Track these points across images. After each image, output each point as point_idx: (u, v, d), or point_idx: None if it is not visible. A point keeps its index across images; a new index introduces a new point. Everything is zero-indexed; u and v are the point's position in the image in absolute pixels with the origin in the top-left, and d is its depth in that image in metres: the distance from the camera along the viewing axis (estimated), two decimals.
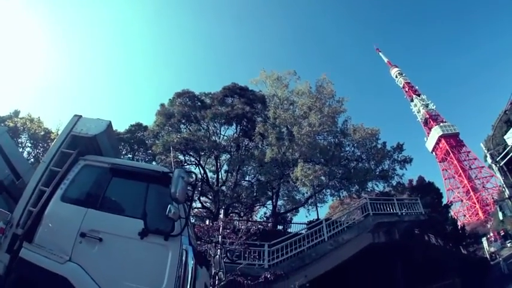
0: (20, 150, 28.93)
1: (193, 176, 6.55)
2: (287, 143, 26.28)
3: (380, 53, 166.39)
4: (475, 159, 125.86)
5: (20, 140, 30.34)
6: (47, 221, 5.00)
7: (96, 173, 5.68)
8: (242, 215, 34.09)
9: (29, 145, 31.47)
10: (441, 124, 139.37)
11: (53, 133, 31.06)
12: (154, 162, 31.01)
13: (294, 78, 30.65)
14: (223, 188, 28.76)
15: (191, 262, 4.86)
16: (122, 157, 28.98)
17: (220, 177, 30.43)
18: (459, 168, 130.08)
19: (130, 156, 32.95)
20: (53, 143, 6.29)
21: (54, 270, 4.50)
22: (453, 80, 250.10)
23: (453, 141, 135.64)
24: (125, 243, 4.87)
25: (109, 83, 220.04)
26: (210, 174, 31.61)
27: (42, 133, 31.41)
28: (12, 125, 29.21)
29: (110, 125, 6.33)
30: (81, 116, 6.20)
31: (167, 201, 4.83)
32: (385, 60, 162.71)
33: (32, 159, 29.12)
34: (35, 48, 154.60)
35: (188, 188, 5.26)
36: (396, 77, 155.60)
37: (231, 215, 31.26)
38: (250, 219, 35.39)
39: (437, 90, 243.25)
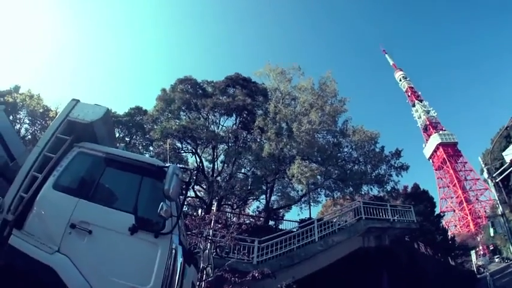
0: (18, 126, 29.01)
1: (189, 173, 6.47)
2: (285, 139, 26.13)
3: (386, 55, 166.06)
4: (471, 170, 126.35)
5: (18, 116, 30.36)
6: (38, 209, 4.93)
7: (90, 162, 5.62)
8: (235, 207, 34.11)
9: (27, 122, 31.48)
10: (440, 132, 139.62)
11: (51, 111, 31.01)
12: (151, 148, 30.99)
13: (297, 74, 30.26)
14: (219, 178, 28.61)
15: (180, 262, 4.80)
16: (119, 141, 29.00)
17: (216, 167, 30.25)
18: (454, 178, 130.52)
19: (127, 139, 32.84)
20: (48, 127, 6.20)
21: (43, 260, 4.43)
22: (458, 88, 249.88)
23: (451, 151, 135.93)
24: (115, 238, 4.81)
25: (114, 64, 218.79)
26: (206, 164, 31.40)
27: (41, 110, 31.30)
28: (12, 101, 29.11)
29: (107, 112, 6.24)
30: (78, 100, 6.11)
31: (160, 196, 4.78)
32: (391, 62, 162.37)
33: (29, 136, 29.08)
34: (41, 25, 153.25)
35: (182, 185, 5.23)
36: (400, 80, 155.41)
37: (223, 206, 31.27)
38: (243, 212, 35.52)
39: (441, 97, 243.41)
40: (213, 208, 21.61)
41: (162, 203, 4.66)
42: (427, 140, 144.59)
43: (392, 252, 24.46)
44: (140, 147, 32.61)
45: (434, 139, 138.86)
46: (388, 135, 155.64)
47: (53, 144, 5.60)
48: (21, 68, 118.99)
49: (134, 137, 33.98)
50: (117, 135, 28.83)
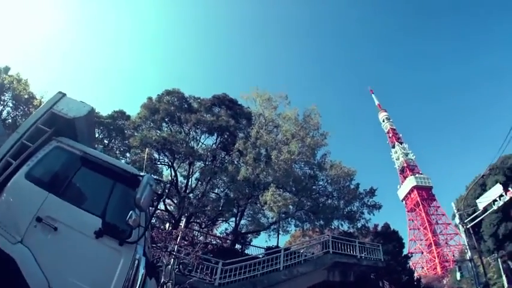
0: (1, 108, 28.62)
1: (162, 185, 6.46)
2: (263, 165, 26.12)
3: (373, 95, 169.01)
4: (443, 215, 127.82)
5: (3, 98, 29.94)
6: (7, 195, 4.85)
7: (66, 158, 5.55)
8: (203, 226, 33.70)
9: (11, 105, 30.90)
10: (417, 175, 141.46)
11: (36, 99, 30.76)
12: (128, 154, 30.56)
13: (284, 102, 30.63)
14: (191, 195, 28.39)
15: (142, 273, 4.73)
16: (98, 142, 28.62)
17: (190, 183, 30.00)
18: (426, 221, 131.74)
19: (106, 142, 32.44)
20: (31, 115, 6.16)
21: (4, 248, 4.34)
22: (439, 136, 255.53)
23: (425, 194, 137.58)
24: (79, 239, 4.72)
25: (107, 61, 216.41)
26: (180, 179, 31.10)
27: (26, 96, 30.89)
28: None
29: (91, 111, 6.23)
30: (65, 94, 6.09)
31: (130, 204, 4.73)
32: (376, 102, 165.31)
33: (10, 120, 28.67)
34: (39, 8, 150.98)
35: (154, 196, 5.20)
36: (383, 121, 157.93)
37: (192, 223, 30.90)
38: (211, 232, 35.14)
39: (422, 142, 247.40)
40: (181, 224, 21.44)
41: (131, 212, 4.62)
42: (402, 182, 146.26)
43: None
44: (118, 152, 32.16)
45: (410, 181, 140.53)
46: (364, 173, 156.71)
47: (32, 133, 5.54)
48: (15, 50, 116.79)
49: (113, 140, 33.52)
50: (96, 135, 28.46)
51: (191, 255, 13.64)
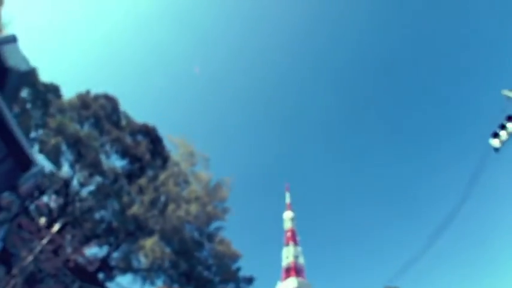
0: None
1: (48, 179, 5.64)
2: (157, 212, 26.28)
3: (287, 193, 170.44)
4: None
5: None
6: None
7: None
8: (76, 239, 31.50)
9: None
10: (300, 279, 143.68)
11: None
12: (40, 131, 28.03)
13: (204, 163, 31.43)
14: (77, 204, 27.56)
15: None
16: (19, 104, 26.87)
17: (82, 192, 28.70)
18: None
19: (28, 106, 29.21)
20: None
21: None
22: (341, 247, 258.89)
23: None
24: None
25: None
26: (75, 183, 29.02)
27: None
28: None
29: (31, 71, 5.64)
30: (17, 40, 5.78)
31: (9, 183, 4.60)
32: (287, 201, 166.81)
33: None
34: None
35: None
36: (286, 219, 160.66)
37: (66, 232, 29.12)
38: (80, 249, 33.01)
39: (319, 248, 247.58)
40: (56, 225, 20.59)
41: (7, 192, 4.54)
42: (284, 280, 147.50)
43: None
44: (33, 125, 29.71)
45: (292, 282, 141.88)
46: (249, 259, 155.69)
47: None
48: None
49: (36, 110, 30.53)
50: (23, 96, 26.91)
51: (51, 261, 13.28)
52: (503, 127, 14.71)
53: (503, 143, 14.85)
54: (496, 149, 15.10)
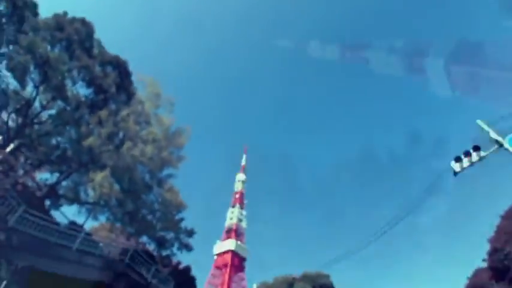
0: None
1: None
2: (112, 147, 25.58)
3: (244, 155, 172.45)
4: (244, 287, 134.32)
5: None
6: None
7: None
8: (29, 162, 30.32)
9: None
10: (239, 242, 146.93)
11: None
12: (11, 47, 26.88)
13: (168, 107, 30.88)
14: (36, 126, 26.80)
15: None
16: None
17: (42, 115, 27.88)
18: (225, 284, 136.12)
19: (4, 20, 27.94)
20: None
21: None
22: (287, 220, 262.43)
23: (237, 262, 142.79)
24: None
25: None
26: (37, 105, 28.06)
27: None
28: None
29: None
30: None
31: None
32: (243, 163, 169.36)
33: None
34: None
35: None
36: (238, 181, 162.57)
37: (20, 153, 27.88)
38: (32, 172, 31.88)
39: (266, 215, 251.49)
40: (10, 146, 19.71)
41: None
42: (223, 240, 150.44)
43: None
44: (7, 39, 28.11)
45: (230, 244, 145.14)
46: (194, 212, 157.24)
47: None
48: None
49: (11, 25, 28.79)
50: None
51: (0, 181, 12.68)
52: (467, 154, 15.24)
53: (463, 169, 15.33)
54: (455, 173, 15.53)
